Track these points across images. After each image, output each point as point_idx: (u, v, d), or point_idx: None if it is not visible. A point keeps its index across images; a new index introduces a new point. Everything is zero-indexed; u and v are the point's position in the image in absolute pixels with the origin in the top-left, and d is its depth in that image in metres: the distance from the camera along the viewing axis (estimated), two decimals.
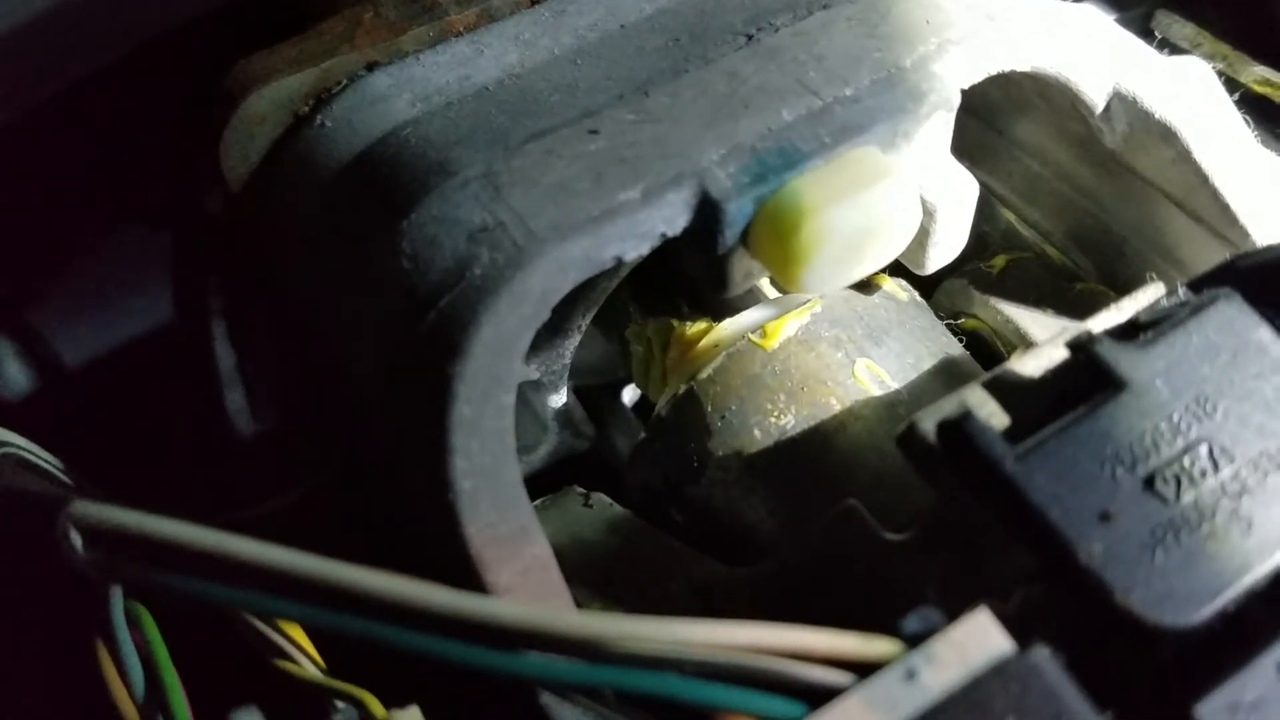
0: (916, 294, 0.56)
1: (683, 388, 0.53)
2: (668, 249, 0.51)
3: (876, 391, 0.51)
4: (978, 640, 0.35)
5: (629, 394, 0.67)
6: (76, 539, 0.38)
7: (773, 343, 0.52)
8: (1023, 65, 0.49)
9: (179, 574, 0.38)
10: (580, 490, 0.52)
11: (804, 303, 0.53)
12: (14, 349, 0.73)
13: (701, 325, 0.56)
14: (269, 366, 0.72)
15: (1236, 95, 0.54)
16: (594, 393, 0.65)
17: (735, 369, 0.52)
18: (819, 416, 0.51)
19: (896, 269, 0.53)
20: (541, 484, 0.54)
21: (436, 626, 0.35)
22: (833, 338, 0.52)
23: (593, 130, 0.47)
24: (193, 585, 0.38)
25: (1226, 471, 0.38)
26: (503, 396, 0.42)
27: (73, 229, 0.74)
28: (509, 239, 0.43)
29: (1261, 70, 0.61)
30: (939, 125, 0.48)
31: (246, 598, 0.37)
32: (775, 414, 0.51)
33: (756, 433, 0.51)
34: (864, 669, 0.34)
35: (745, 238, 0.45)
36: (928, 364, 0.53)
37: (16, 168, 0.64)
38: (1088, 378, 0.40)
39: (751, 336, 0.53)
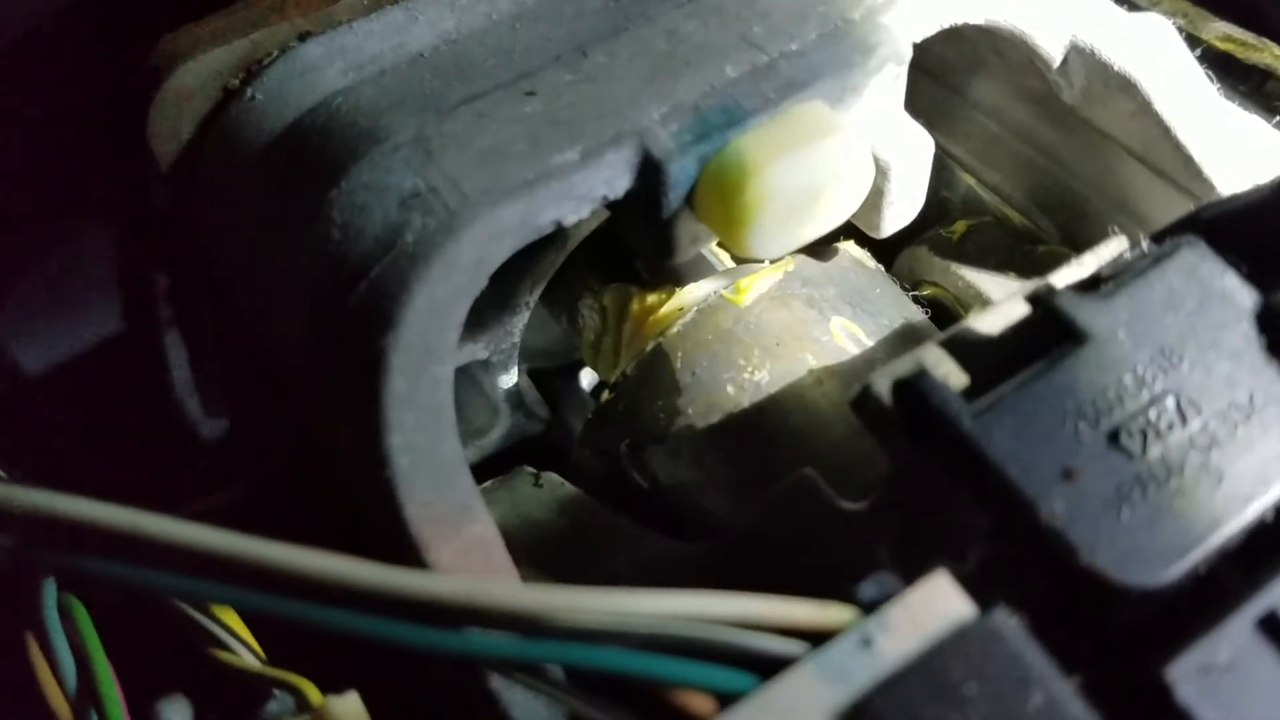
0: (874, 261, 0.55)
1: (650, 345, 0.51)
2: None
3: (853, 350, 0.50)
4: (936, 604, 0.33)
5: (586, 378, 0.66)
6: None
7: (744, 299, 0.51)
8: (975, 17, 0.47)
9: (99, 559, 0.37)
10: (530, 470, 0.50)
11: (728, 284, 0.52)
12: None
13: (662, 293, 0.54)
14: (217, 358, 0.70)
15: (1198, 52, 0.52)
16: (549, 376, 0.63)
17: (707, 324, 0.51)
18: (794, 373, 0.49)
19: (853, 234, 0.52)
20: (496, 468, 0.52)
21: (367, 604, 0.33)
22: (806, 296, 0.51)
23: (529, 92, 0.45)
24: (113, 570, 0.36)
25: (1194, 424, 0.36)
26: (438, 369, 0.40)
27: (23, 230, 0.72)
28: (441, 204, 0.42)
29: (1223, 26, 0.60)
30: (890, 80, 0.46)
31: (167, 581, 0.36)
32: (749, 369, 0.50)
33: (730, 389, 0.49)
34: (818, 638, 0.33)
35: (690, 199, 0.44)
36: (898, 322, 0.51)
37: None
38: (1048, 331, 0.38)
39: (724, 293, 0.51)
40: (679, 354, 0.51)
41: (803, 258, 0.52)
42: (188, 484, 0.73)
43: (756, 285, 0.51)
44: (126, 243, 0.71)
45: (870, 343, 0.50)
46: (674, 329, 0.51)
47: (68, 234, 0.72)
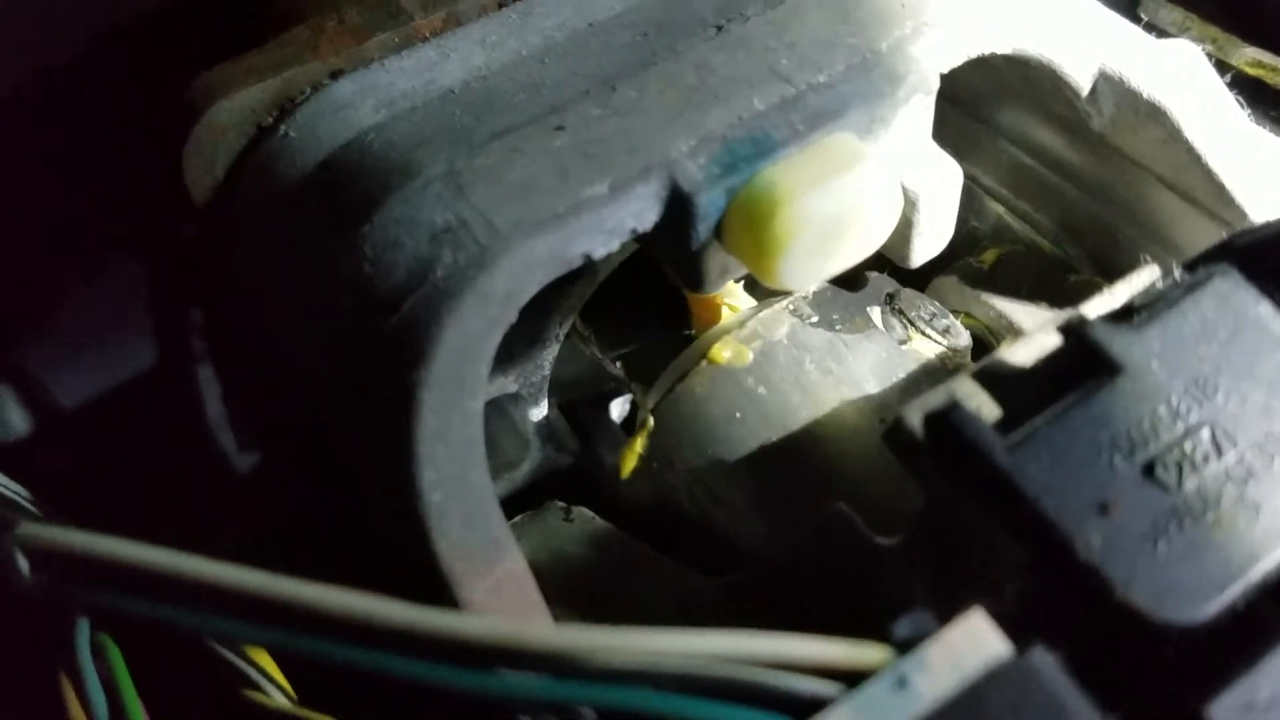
0: (784, 324, 0.53)
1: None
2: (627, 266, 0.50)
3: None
4: (972, 643, 0.32)
5: (616, 409, 0.66)
6: (23, 562, 0.36)
7: (625, 473, 0.52)
8: (1003, 47, 0.47)
9: (133, 597, 0.37)
10: (561, 505, 0.50)
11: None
12: (12, 394, 0.71)
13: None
14: (247, 394, 0.70)
15: (1228, 77, 0.52)
16: (579, 408, 0.63)
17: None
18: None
19: (884, 264, 0.51)
20: (526, 502, 0.52)
21: (397, 644, 0.33)
22: (664, 462, 0.51)
23: (558, 126, 0.45)
24: (146, 608, 0.36)
25: (1230, 456, 0.36)
26: (469, 402, 0.40)
27: (61, 267, 0.73)
28: (472, 238, 0.42)
29: (1252, 52, 0.60)
30: (919, 110, 0.46)
31: (200, 620, 0.36)
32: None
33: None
34: (853, 678, 0.32)
35: (719, 231, 0.43)
36: (763, 438, 0.50)
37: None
38: (1081, 363, 0.38)
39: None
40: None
41: (661, 407, 0.52)
42: (220, 517, 0.73)
43: (631, 463, 0.52)
44: (160, 279, 0.71)
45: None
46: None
47: (102, 270, 0.73)
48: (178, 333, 0.71)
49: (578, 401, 0.62)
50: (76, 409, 0.71)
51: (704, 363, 0.52)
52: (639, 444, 0.52)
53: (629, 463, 0.52)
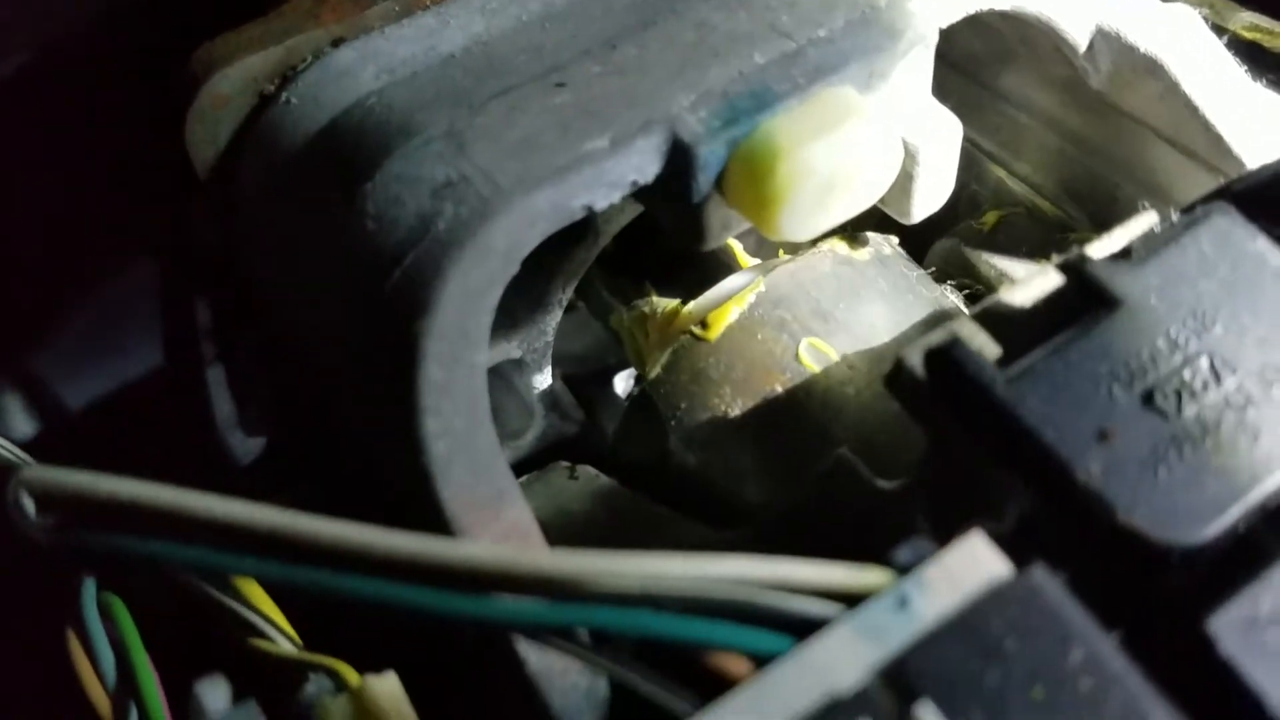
0: (889, 247, 0.54)
1: (635, 389, 0.52)
2: (637, 224, 0.51)
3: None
4: (973, 564, 0.33)
5: (621, 382, 0.66)
6: (29, 505, 0.37)
7: (714, 334, 0.51)
8: (1001, 4, 0.47)
9: (138, 538, 0.37)
10: (566, 464, 0.51)
11: (750, 281, 0.52)
12: (19, 397, 0.72)
13: (672, 306, 0.54)
14: (257, 369, 0.70)
15: (1224, 40, 0.52)
16: (584, 381, 0.63)
17: (682, 366, 0.51)
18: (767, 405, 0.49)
19: (884, 221, 0.52)
20: (531, 470, 0.52)
21: (399, 572, 0.33)
22: (776, 319, 0.51)
23: (559, 84, 0.46)
24: (151, 549, 0.36)
25: (1230, 383, 0.36)
26: (473, 355, 0.40)
27: (66, 269, 0.73)
28: (473, 192, 0.42)
29: (1249, 16, 0.60)
30: (918, 65, 0.46)
31: (205, 556, 0.36)
32: (723, 408, 0.50)
33: (710, 430, 0.50)
34: (854, 601, 0.33)
35: (720, 185, 0.44)
36: (890, 323, 0.51)
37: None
38: (1080, 299, 0.38)
39: (695, 329, 0.51)
40: (660, 397, 0.51)
41: (775, 274, 0.52)
42: None
43: (726, 317, 0.51)
44: (170, 277, 0.72)
45: (836, 359, 0.50)
46: (653, 372, 0.52)
47: (110, 272, 0.73)
48: (187, 335, 0.71)
49: (582, 374, 0.63)
50: (81, 410, 0.71)
51: (824, 246, 0.53)
52: (745, 300, 0.51)
53: (721, 320, 0.51)
